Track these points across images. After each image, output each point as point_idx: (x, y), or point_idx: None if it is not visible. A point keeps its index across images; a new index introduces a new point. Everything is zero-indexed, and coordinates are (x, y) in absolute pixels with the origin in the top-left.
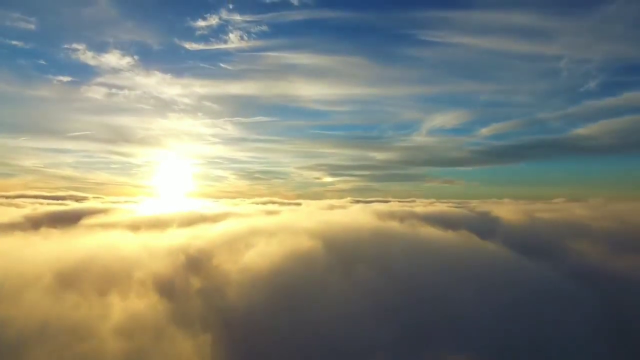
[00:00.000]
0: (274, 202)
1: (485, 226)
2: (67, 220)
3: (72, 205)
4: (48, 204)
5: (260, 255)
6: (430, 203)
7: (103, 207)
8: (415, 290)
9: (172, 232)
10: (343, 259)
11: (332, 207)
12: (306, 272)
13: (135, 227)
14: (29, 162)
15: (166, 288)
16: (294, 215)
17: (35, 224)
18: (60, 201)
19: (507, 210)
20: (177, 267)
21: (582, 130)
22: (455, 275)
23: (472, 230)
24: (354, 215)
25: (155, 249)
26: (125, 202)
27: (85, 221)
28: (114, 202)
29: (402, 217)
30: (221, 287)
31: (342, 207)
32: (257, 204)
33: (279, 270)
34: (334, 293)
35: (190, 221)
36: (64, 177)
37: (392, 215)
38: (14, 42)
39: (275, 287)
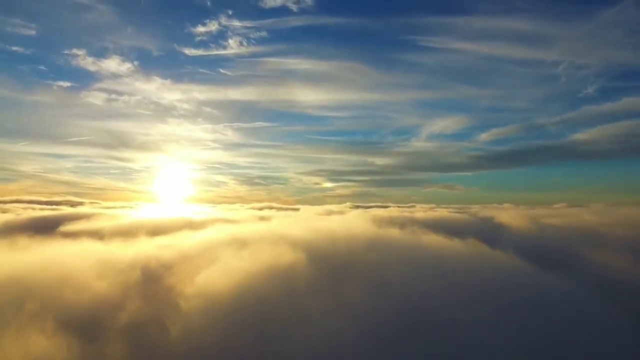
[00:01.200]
0: (272, 208)
1: (491, 233)
2: (45, 227)
3: (61, 211)
4: (41, 209)
5: (227, 271)
6: (431, 208)
7: (90, 213)
8: (419, 310)
9: (142, 242)
10: (333, 272)
11: (330, 213)
12: (285, 291)
13: (108, 235)
14: (28, 167)
15: (93, 319)
16: (287, 221)
17: (10, 231)
18: (55, 207)
19: (510, 216)
20: (123, 288)
21: (581, 136)
22: (466, 291)
23: (478, 237)
24: (350, 221)
25: (111, 263)
26: (121, 207)
27: (62, 228)
28: (107, 208)
29: (402, 224)
30: (167, 317)
31: (341, 212)
32: (255, 209)
33: (250, 289)
34: (319, 316)
35: (171, 228)
36: (63, 183)
37: (391, 222)
38: (14, 48)
39: (242, 313)
